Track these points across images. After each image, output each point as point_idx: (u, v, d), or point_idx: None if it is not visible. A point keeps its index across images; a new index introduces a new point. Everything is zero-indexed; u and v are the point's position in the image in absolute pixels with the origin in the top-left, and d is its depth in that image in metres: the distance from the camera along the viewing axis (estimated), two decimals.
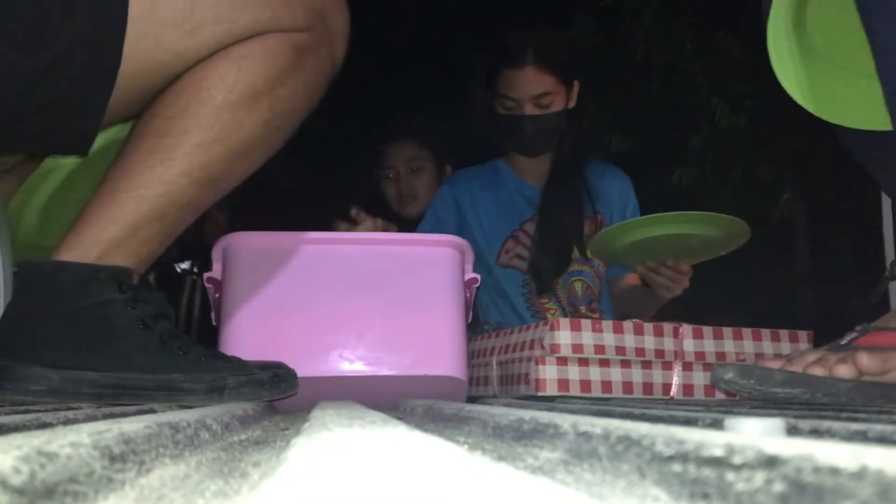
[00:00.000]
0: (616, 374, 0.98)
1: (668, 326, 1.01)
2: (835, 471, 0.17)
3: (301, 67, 0.77)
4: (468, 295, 0.98)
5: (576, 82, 1.61)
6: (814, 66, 0.93)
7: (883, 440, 0.32)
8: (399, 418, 0.57)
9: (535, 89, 1.53)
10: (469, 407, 0.52)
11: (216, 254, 0.93)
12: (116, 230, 0.70)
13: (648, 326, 0.99)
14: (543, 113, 1.54)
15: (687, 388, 1.00)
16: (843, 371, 0.70)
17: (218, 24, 0.72)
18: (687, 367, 1.00)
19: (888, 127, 0.77)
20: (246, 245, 0.92)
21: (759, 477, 0.19)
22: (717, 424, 0.41)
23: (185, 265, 2.18)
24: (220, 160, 0.74)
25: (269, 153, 0.80)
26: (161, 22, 0.70)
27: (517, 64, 1.54)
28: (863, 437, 0.33)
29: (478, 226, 1.66)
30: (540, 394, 0.95)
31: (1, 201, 0.99)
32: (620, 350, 0.97)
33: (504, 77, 1.56)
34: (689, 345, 1.01)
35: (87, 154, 0.78)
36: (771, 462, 0.19)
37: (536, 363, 0.96)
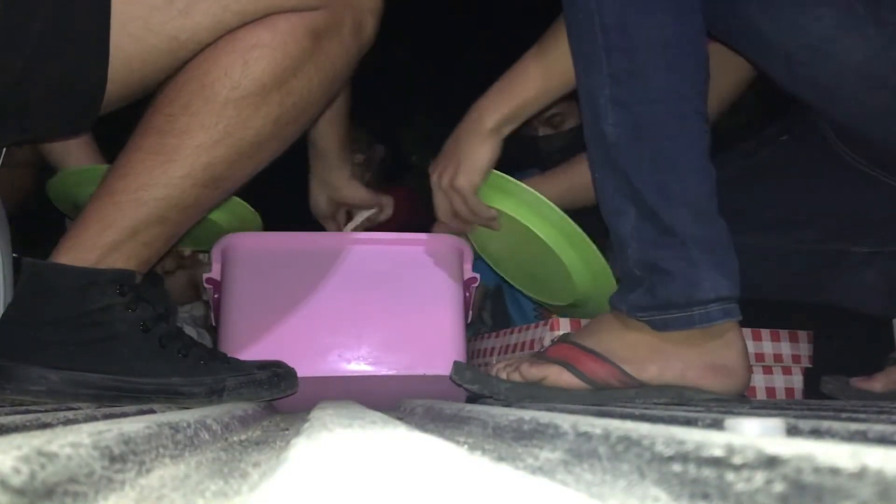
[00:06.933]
0: None
1: None
2: (835, 471, 0.17)
3: (318, 54, 0.71)
4: (468, 294, 0.98)
5: None
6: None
7: (883, 440, 0.32)
8: (399, 418, 0.57)
9: (546, 110, 1.53)
10: (469, 407, 0.52)
11: (215, 254, 0.93)
12: (114, 234, 0.69)
13: None
14: (557, 132, 1.55)
15: None
16: (514, 376, 0.82)
17: (212, 0, 0.67)
18: None
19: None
20: (245, 245, 0.92)
21: (759, 477, 0.19)
22: (717, 424, 0.41)
23: None
24: (224, 160, 0.70)
25: (282, 148, 0.75)
26: (148, 3, 0.66)
27: None
28: (863, 437, 0.33)
29: None
30: None
31: (2, 199, 0.99)
32: None
33: None
34: None
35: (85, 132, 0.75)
36: (771, 462, 0.19)
37: None
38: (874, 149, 0.87)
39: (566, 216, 0.94)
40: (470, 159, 0.92)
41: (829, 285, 1.06)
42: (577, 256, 0.99)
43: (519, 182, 0.93)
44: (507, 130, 0.92)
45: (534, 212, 0.95)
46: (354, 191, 1.11)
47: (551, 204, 0.93)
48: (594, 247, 0.96)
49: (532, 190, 0.93)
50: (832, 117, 0.86)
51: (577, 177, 1.14)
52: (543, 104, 0.92)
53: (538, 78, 0.90)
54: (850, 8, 0.72)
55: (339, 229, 1.14)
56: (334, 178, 1.09)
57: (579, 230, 0.94)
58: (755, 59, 0.82)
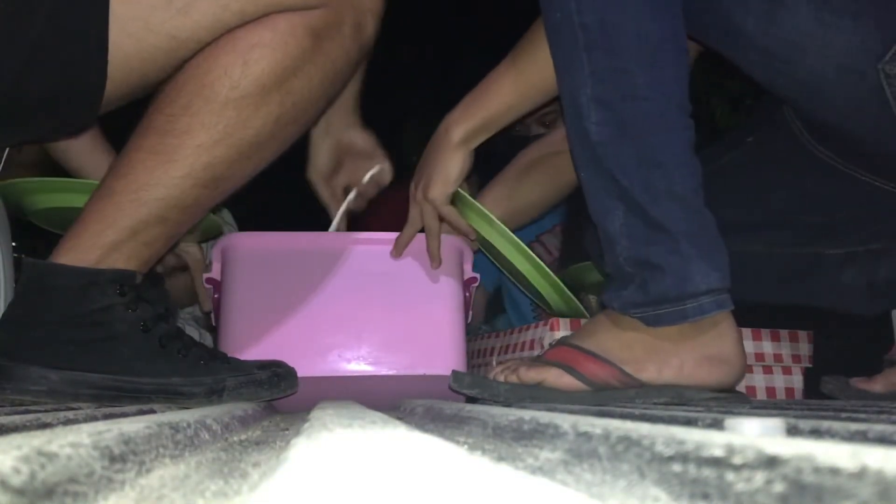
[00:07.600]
0: None
1: None
2: (835, 471, 0.17)
3: (318, 54, 0.71)
4: (467, 294, 0.98)
5: None
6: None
7: (883, 440, 0.32)
8: (399, 418, 0.57)
9: (538, 109, 1.53)
10: (469, 407, 0.52)
11: (215, 254, 0.93)
12: (114, 234, 0.69)
13: None
14: (551, 130, 1.55)
15: None
16: (512, 378, 0.82)
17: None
18: None
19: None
20: (245, 245, 0.92)
21: (759, 477, 0.19)
22: (717, 424, 0.41)
23: None
24: (224, 160, 0.70)
25: (283, 148, 0.75)
26: (147, 2, 0.66)
27: None
28: (863, 437, 0.33)
29: None
30: None
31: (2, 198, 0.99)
32: None
33: None
34: None
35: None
36: (771, 462, 0.19)
37: None
38: (849, 144, 0.86)
39: (529, 250, 0.97)
40: (440, 171, 0.92)
41: (808, 288, 1.06)
42: (546, 285, 1.01)
43: (488, 213, 0.94)
44: (476, 142, 0.93)
45: (502, 238, 0.97)
46: (359, 133, 1.04)
47: (516, 238, 0.95)
48: (555, 278, 0.99)
49: (502, 226, 0.95)
50: (809, 112, 0.86)
51: (522, 185, 1.15)
52: (514, 117, 0.92)
53: (507, 92, 0.90)
54: (826, 0, 0.72)
55: (336, 199, 1.05)
56: (342, 118, 1.03)
57: (541, 263, 0.98)
58: (734, 56, 0.82)
